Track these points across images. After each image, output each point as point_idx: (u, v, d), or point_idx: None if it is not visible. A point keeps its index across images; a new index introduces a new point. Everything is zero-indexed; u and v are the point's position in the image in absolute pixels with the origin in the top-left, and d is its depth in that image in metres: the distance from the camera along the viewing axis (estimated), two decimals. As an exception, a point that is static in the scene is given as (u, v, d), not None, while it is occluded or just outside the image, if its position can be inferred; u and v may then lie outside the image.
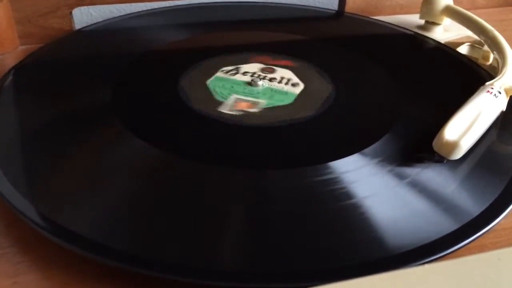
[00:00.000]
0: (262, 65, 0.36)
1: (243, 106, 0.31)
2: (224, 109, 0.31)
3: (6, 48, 0.41)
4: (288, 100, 0.32)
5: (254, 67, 0.36)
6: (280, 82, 0.34)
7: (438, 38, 0.43)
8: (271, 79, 0.34)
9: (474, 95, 0.30)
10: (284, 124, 0.30)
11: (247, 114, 0.31)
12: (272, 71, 0.36)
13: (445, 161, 0.27)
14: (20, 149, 0.29)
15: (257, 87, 0.33)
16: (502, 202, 0.26)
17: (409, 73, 0.37)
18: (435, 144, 0.27)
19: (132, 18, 0.44)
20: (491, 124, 0.30)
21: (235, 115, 0.30)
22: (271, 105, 0.32)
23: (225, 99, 0.32)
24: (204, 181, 0.26)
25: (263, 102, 0.32)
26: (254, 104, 0.31)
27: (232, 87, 0.33)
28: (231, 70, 0.35)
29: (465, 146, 0.27)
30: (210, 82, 0.34)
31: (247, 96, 0.33)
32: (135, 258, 0.22)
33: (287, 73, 0.35)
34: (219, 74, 0.35)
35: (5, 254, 0.23)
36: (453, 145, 0.27)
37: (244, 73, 0.35)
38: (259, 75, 0.35)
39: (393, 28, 0.44)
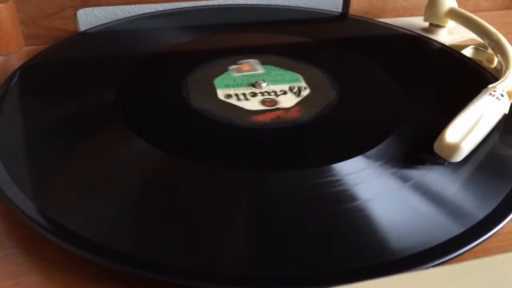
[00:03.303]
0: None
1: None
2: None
3: (11, 49, 0.41)
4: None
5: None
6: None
7: (442, 41, 0.43)
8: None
9: (476, 98, 0.29)
10: (287, 126, 0.30)
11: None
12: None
13: (446, 164, 0.27)
14: (25, 149, 0.29)
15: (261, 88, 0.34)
16: (507, 205, 0.25)
17: (413, 75, 0.37)
18: (436, 146, 0.27)
19: (137, 19, 0.44)
20: (493, 127, 0.30)
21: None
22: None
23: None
24: (206, 182, 0.26)
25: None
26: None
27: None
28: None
29: (466, 148, 0.27)
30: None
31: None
32: (137, 260, 0.22)
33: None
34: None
35: (9, 255, 0.23)
36: (454, 148, 0.27)
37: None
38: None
39: (398, 30, 0.44)
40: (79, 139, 0.29)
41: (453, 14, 0.43)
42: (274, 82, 0.34)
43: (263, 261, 0.22)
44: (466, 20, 0.41)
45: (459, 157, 0.27)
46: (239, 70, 0.35)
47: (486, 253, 0.24)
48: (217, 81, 0.34)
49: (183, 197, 0.25)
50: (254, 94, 0.33)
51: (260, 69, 0.35)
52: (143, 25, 0.43)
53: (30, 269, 0.23)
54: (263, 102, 0.32)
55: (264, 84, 0.34)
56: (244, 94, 0.33)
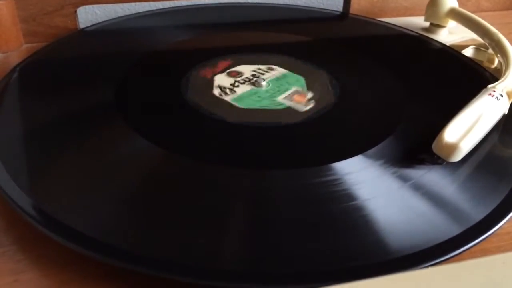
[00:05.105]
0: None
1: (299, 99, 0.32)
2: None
3: (11, 46, 0.41)
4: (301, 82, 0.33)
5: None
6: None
7: (443, 41, 0.43)
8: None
9: (476, 98, 0.29)
10: (287, 125, 0.30)
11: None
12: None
13: (444, 163, 0.27)
14: (23, 146, 0.29)
15: (262, 87, 0.33)
16: (506, 205, 0.25)
17: (414, 75, 0.37)
18: (434, 146, 0.27)
19: (137, 17, 0.44)
20: (492, 127, 0.29)
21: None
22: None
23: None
24: (205, 180, 0.26)
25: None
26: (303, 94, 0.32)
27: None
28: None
29: (465, 148, 0.27)
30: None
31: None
32: (135, 257, 0.22)
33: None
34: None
35: (6, 252, 0.23)
36: (453, 147, 0.26)
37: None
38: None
39: (398, 30, 0.44)
40: (77, 136, 0.29)
41: (454, 14, 0.43)
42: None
43: (262, 259, 0.22)
44: (467, 20, 0.41)
45: (458, 157, 0.27)
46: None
47: (485, 253, 0.24)
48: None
49: (182, 195, 0.25)
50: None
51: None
52: (143, 23, 0.43)
53: (28, 266, 0.23)
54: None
55: (264, 83, 0.34)
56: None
